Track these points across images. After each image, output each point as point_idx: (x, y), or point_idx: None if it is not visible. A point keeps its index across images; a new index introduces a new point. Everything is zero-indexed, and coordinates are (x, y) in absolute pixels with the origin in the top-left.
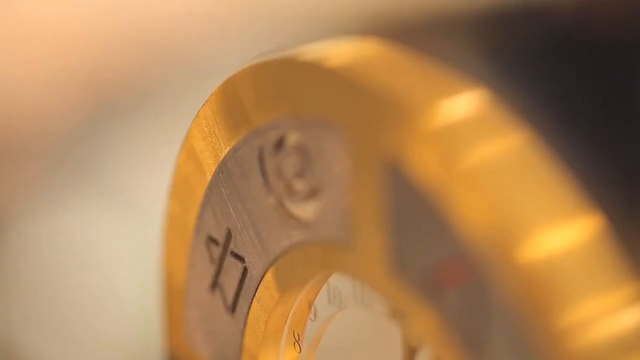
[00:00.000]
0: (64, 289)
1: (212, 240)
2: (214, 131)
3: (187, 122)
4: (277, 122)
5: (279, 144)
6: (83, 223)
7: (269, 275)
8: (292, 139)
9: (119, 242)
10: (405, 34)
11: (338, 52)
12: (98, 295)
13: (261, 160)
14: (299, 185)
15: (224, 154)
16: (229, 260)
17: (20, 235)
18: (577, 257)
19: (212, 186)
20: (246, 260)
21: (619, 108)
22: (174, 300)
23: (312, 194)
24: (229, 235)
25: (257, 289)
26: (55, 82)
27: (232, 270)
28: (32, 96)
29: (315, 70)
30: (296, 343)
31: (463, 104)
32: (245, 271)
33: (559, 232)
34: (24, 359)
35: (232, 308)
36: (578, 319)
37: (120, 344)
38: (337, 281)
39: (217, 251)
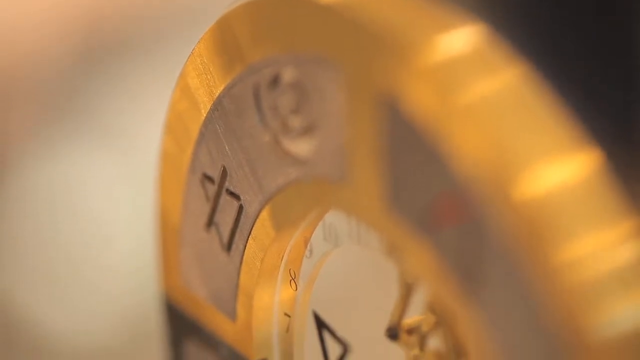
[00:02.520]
0: (60, 238)
1: (207, 178)
2: (209, 69)
3: (182, 61)
4: (273, 58)
5: (275, 81)
6: (79, 169)
7: (264, 213)
8: (288, 75)
9: (116, 188)
10: None
11: None
12: (94, 244)
13: (256, 98)
14: (295, 122)
15: (219, 92)
16: (225, 198)
17: (16, 184)
18: (574, 194)
19: (207, 124)
20: (242, 198)
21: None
22: (168, 239)
23: (308, 130)
24: (224, 173)
25: (252, 227)
26: (48, 25)
27: (228, 208)
28: (26, 41)
29: (310, 6)
30: (292, 281)
31: (460, 39)
32: (240, 209)
33: (556, 168)
34: (18, 310)
35: (228, 246)
36: (575, 254)
37: (116, 292)
38: (333, 218)
39: (212, 189)
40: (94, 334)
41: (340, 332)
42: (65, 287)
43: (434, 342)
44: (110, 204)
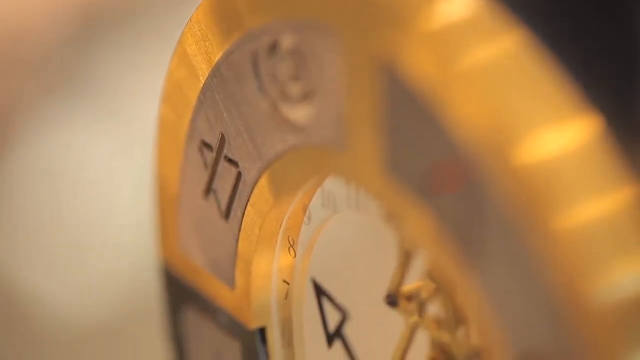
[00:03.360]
0: (58, 210)
1: (205, 145)
2: (207, 35)
3: (180, 28)
4: (271, 25)
5: (273, 48)
6: (79, 141)
7: (263, 180)
8: (286, 42)
9: (116, 159)
10: None
11: None
12: (93, 216)
13: (255, 65)
14: (294, 89)
15: (217, 59)
16: (223, 165)
17: (16, 156)
18: (573, 160)
19: (206, 91)
20: (240, 165)
21: (616, 9)
22: (167, 206)
23: (307, 97)
24: (222, 140)
25: (251, 193)
26: None
27: (226, 175)
28: (25, 12)
29: None
30: (291, 248)
31: (459, 5)
32: (239, 176)
33: (555, 134)
34: (16, 284)
35: (226, 214)
36: (574, 221)
37: (115, 265)
38: (332, 185)
39: (210, 156)
40: (92, 308)
41: (339, 299)
42: (63, 261)
43: (433, 309)
44: (110, 176)
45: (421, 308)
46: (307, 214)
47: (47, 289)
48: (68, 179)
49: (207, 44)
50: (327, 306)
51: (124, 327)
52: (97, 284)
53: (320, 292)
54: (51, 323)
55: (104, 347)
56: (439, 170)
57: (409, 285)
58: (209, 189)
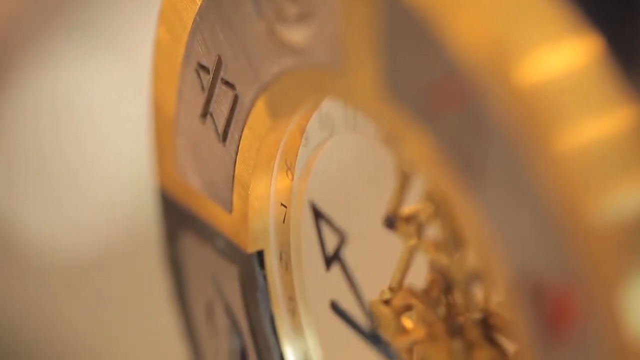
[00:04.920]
0: (58, 146)
1: (202, 67)
2: None
3: None
4: None
5: None
6: (76, 73)
7: (260, 103)
8: None
9: (115, 91)
10: None
11: None
12: (92, 151)
13: None
14: (290, 10)
15: None
16: (220, 87)
17: (16, 91)
18: (573, 79)
19: (202, 13)
20: (237, 87)
21: None
22: (164, 130)
23: (303, 18)
24: (219, 63)
25: (248, 116)
26: None
27: (223, 98)
28: None
29: None
30: (288, 170)
31: None
32: (236, 99)
33: (556, 53)
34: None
35: (224, 136)
36: (575, 140)
37: (113, 200)
38: (329, 107)
39: (207, 79)
40: (91, 239)
41: (337, 222)
42: (61, 192)
43: (432, 232)
44: (107, 107)
45: (420, 230)
46: (304, 136)
47: (46, 223)
48: (65, 111)
49: None
50: (326, 229)
51: (122, 256)
52: (95, 216)
53: (318, 215)
54: (50, 256)
55: (104, 277)
56: (438, 91)
57: (407, 208)
58: (206, 112)
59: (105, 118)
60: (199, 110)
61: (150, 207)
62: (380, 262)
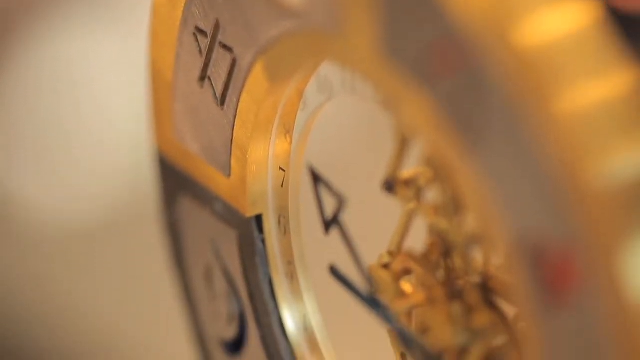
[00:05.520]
0: (57, 116)
1: (199, 31)
2: None
3: None
4: None
5: None
6: (80, 47)
7: (258, 66)
8: None
9: (116, 65)
10: None
11: None
12: (92, 122)
13: None
14: None
15: None
16: (218, 51)
17: (18, 62)
18: (574, 41)
19: None
20: (235, 51)
21: None
22: (162, 94)
23: None
24: (217, 26)
25: (246, 80)
26: None
27: (221, 61)
28: None
29: None
30: (287, 134)
31: None
32: (234, 62)
33: (557, 13)
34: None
35: (222, 100)
36: (576, 103)
37: (111, 169)
38: (328, 70)
39: (205, 42)
40: (90, 212)
41: (336, 186)
42: (61, 167)
43: (431, 195)
44: (109, 79)
45: (419, 194)
46: (303, 99)
47: (45, 192)
48: (64, 81)
49: None
50: (324, 193)
51: (122, 224)
52: (94, 184)
53: (317, 178)
54: (50, 225)
55: (103, 245)
56: (437, 53)
57: (406, 171)
58: (204, 76)
59: (104, 87)
60: (197, 74)
61: (149, 174)
62: (379, 226)
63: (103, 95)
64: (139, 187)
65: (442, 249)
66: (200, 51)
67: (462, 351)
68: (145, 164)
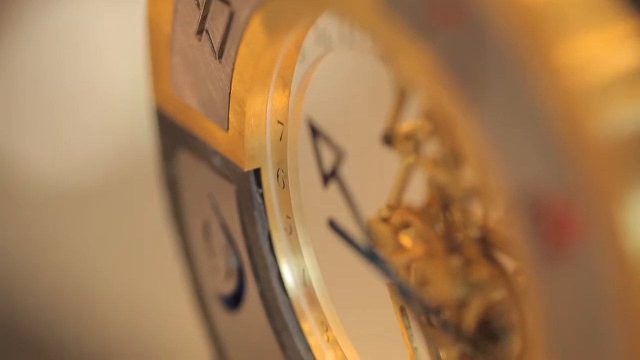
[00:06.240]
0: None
1: None
2: None
3: None
4: None
5: None
6: (82, 7)
7: (256, 19)
8: None
9: (118, 25)
10: None
11: None
12: (92, 81)
13: None
14: None
15: None
16: (215, 4)
17: (19, 25)
18: None
19: None
20: (232, 3)
21: None
22: (160, 48)
23: None
24: None
25: (244, 33)
26: None
27: (219, 14)
28: None
29: None
30: (285, 88)
31: None
32: (231, 15)
33: None
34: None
35: (219, 54)
36: (577, 55)
37: (110, 127)
38: (326, 22)
39: None
40: (91, 171)
41: (334, 139)
42: (60, 126)
43: (431, 149)
44: (110, 38)
45: (418, 147)
46: (301, 52)
47: (45, 152)
48: (65, 41)
49: None
50: (323, 146)
51: (122, 182)
52: (95, 143)
53: (315, 132)
54: (50, 185)
55: (103, 203)
56: (437, 4)
57: (405, 125)
58: (201, 29)
59: (104, 47)
60: (194, 27)
61: (149, 133)
62: (378, 180)
63: (103, 54)
64: (138, 145)
65: (442, 203)
66: (198, 4)
67: (462, 305)
68: (145, 121)
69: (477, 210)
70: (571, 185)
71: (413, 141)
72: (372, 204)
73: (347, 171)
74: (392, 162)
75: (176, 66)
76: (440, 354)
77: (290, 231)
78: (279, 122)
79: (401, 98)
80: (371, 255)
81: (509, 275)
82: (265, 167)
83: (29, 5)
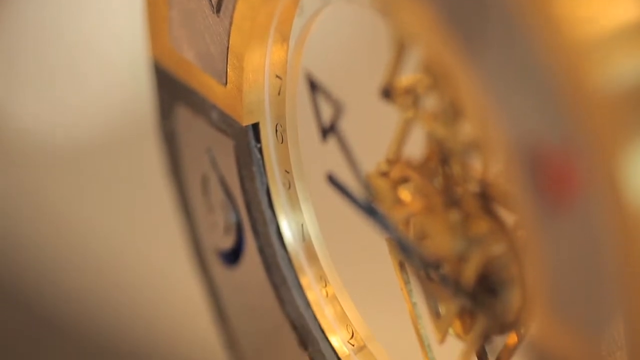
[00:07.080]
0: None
1: None
2: None
3: None
4: None
5: None
6: None
7: None
8: None
9: None
10: None
11: None
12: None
13: None
14: None
15: None
16: None
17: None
18: None
19: None
20: None
21: None
22: (158, 1)
23: None
24: None
25: None
26: None
27: None
28: None
29: None
30: (284, 42)
31: None
32: None
33: None
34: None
35: (217, 7)
36: (577, 9)
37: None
38: None
39: None
40: (90, 128)
41: (333, 93)
42: (58, 83)
43: (430, 103)
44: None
45: (417, 102)
46: (299, 5)
47: (43, 109)
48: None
49: None
50: (322, 100)
51: (121, 139)
52: (94, 100)
53: (314, 86)
54: (49, 143)
55: (103, 161)
56: None
57: (404, 79)
58: None
59: (104, 1)
60: None
61: (148, 89)
62: (377, 134)
63: (102, 9)
64: (137, 101)
65: (441, 157)
66: None
67: (461, 259)
68: (143, 78)
69: (476, 164)
70: (571, 137)
71: (412, 95)
72: (371, 159)
73: (346, 125)
74: (391, 116)
75: (174, 19)
76: (439, 308)
77: (289, 186)
78: (277, 76)
79: (400, 52)
80: (370, 210)
81: (508, 229)
82: (264, 122)
83: None
